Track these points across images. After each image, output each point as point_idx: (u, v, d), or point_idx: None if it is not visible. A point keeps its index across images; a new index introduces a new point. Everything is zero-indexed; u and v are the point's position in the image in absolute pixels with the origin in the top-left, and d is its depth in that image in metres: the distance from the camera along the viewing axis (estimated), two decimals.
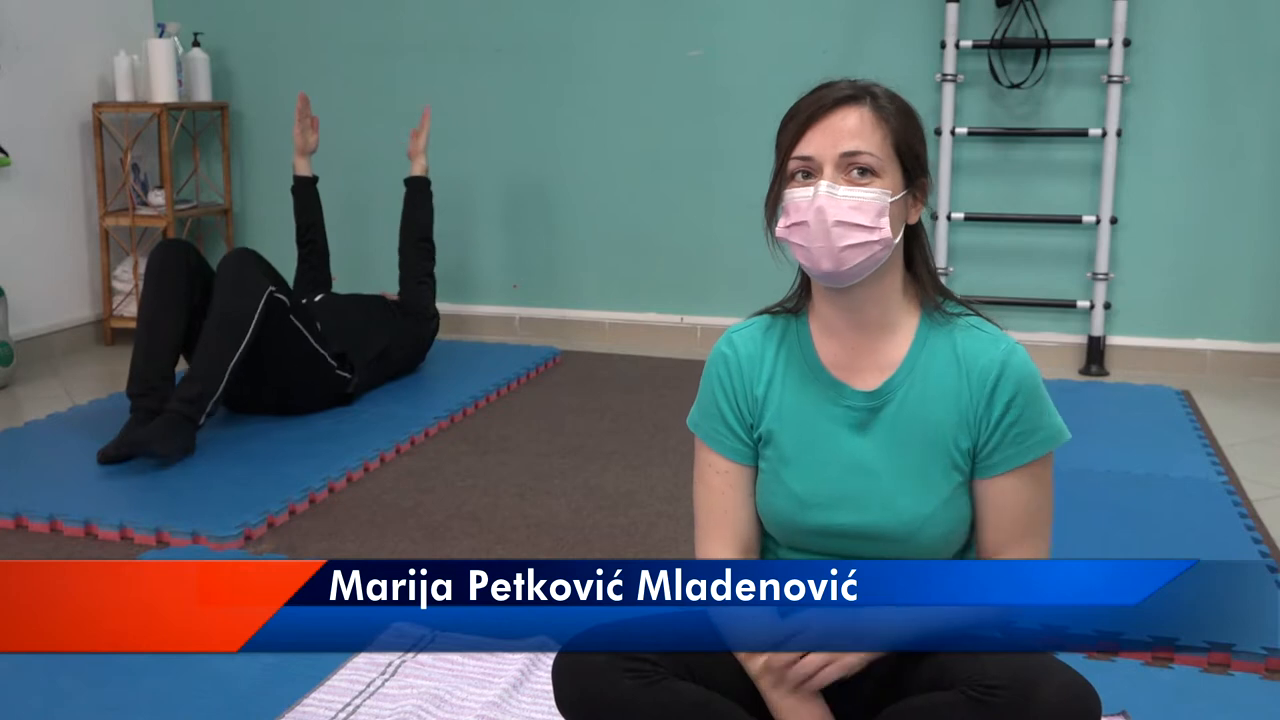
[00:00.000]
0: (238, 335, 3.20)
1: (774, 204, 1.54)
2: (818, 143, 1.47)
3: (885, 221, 1.46)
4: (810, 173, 1.48)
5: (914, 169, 1.50)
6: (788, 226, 1.50)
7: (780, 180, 1.52)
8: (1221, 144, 4.18)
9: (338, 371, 3.60)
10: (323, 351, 3.53)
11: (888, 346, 1.54)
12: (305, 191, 4.06)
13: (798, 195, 1.48)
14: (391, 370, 3.97)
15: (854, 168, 1.46)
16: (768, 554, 1.61)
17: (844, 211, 1.45)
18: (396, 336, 3.97)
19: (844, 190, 1.46)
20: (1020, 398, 1.49)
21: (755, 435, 1.58)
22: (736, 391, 1.58)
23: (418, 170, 4.22)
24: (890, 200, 1.47)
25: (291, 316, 3.41)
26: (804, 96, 1.51)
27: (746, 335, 1.60)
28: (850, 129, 1.46)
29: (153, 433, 3.05)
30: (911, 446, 1.51)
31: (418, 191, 4.21)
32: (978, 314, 1.57)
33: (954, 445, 1.50)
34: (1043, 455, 1.51)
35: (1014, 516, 1.52)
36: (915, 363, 1.53)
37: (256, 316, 3.23)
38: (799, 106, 1.50)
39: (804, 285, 1.60)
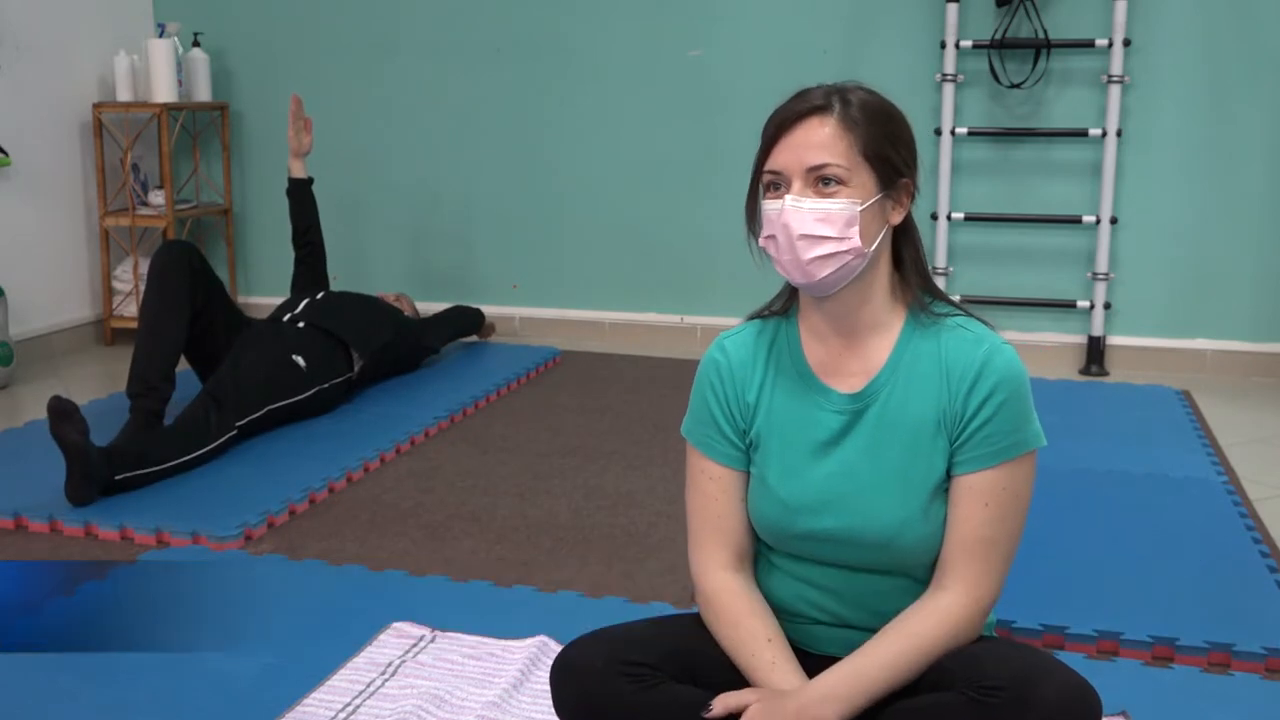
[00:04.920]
0: (196, 445, 3.10)
1: (752, 214, 1.55)
2: (785, 157, 1.48)
3: (854, 231, 1.46)
4: (780, 185, 1.49)
5: (888, 173, 1.49)
6: (764, 239, 1.52)
7: (755, 191, 1.54)
8: (1221, 144, 4.18)
9: (325, 385, 3.60)
10: (298, 361, 3.53)
11: (872, 348, 1.54)
12: (301, 193, 4.06)
13: (769, 208, 1.50)
14: (393, 363, 3.99)
15: (820, 179, 1.46)
16: (761, 559, 1.61)
17: (809, 224, 1.46)
18: (399, 335, 3.98)
19: (809, 203, 1.46)
20: (996, 396, 1.47)
21: (747, 440, 1.58)
22: (729, 397, 1.58)
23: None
24: (860, 208, 1.46)
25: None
26: (779, 105, 1.51)
27: (738, 341, 1.61)
28: (815, 142, 1.46)
29: (86, 466, 2.83)
30: (892, 449, 1.50)
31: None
32: (967, 314, 1.56)
33: (933, 447, 1.49)
34: (1012, 459, 1.47)
35: (975, 522, 1.47)
36: (899, 364, 1.52)
37: (218, 443, 3.16)
38: (771, 117, 1.51)
39: (792, 287, 1.60)
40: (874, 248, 1.49)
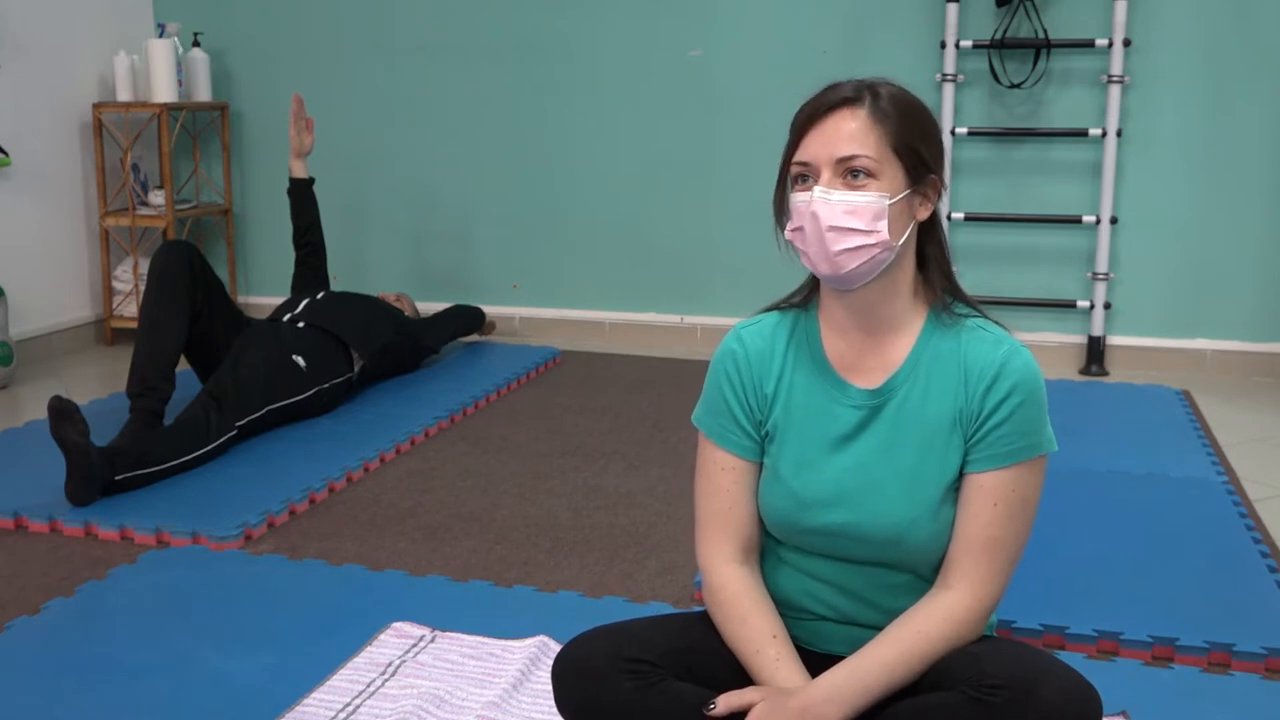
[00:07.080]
0: (196, 445, 3.10)
1: (780, 207, 1.55)
2: (814, 147, 1.47)
3: (883, 224, 1.45)
4: (809, 177, 1.48)
5: (917, 168, 1.49)
6: (792, 230, 1.51)
7: (783, 183, 1.53)
8: (1221, 144, 4.18)
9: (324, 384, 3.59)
10: (298, 361, 3.53)
11: (892, 345, 1.54)
12: (301, 193, 4.07)
13: (797, 199, 1.49)
14: (393, 363, 3.99)
15: (850, 171, 1.46)
16: (768, 554, 1.61)
17: (838, 216, 1.45)
18: (399, 335, 3.99)
19: (839, 194, 1.46)
20: (1014, 398, 1.47)
21: (763, 432, 1.58)
22: (746, 388, 1.58)
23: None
24: (889, 202, 1.46)
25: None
26: (809, 98, 1.51)
27: (756, 331, 1.60)
28: (846, 133, 1.46)
29: (89, 466, 2.82)
30: (908, 447, 1.50)
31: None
32: (987, 317, 1.56)
33: (949, 445, 1.50)
34: (1023, 462, 1.48)
35: (983, 521, 1.47)
36: (918, 362, 1.52)
37: (219, 443, 3.16)
38: (800, 109, 1.51)
39: (814, 280, 1.60)
40: (901, 242, 1.48)
